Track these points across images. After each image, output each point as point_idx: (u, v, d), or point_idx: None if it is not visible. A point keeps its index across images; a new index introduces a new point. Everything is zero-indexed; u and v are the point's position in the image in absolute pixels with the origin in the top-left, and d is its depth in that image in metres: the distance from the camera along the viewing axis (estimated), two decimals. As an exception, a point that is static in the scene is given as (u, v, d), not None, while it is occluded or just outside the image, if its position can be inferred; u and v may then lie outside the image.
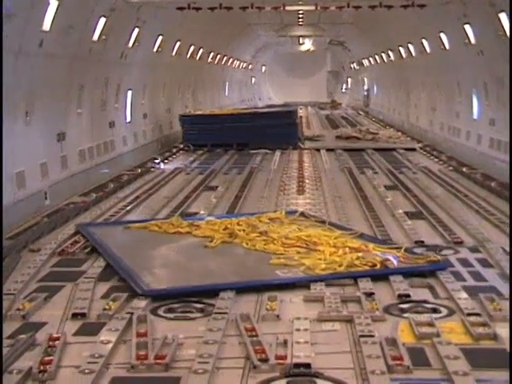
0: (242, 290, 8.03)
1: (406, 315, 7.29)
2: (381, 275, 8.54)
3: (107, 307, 7.48)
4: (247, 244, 10.06)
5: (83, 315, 7.35)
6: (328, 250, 9.40)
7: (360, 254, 9.12)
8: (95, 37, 15.95)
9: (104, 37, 16.28)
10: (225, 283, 8.23)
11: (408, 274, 8.62)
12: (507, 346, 6.43)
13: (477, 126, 19.65)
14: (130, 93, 20.59)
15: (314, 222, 11.65)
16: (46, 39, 12.94)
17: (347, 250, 9.37)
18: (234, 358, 6.27)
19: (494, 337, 6.62)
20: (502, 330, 6.80)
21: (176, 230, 11.05)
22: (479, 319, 6.98)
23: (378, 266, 8.79)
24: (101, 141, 17.73)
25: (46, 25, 12.88)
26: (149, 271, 8.84)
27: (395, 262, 8.93)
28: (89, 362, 5.98)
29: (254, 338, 6.51)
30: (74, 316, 7.34)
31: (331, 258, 9.04)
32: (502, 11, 15.09)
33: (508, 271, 8.67)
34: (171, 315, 7.45)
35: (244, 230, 10.64)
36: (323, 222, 11.55)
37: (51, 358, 6.08)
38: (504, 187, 14.93)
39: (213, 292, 7.89)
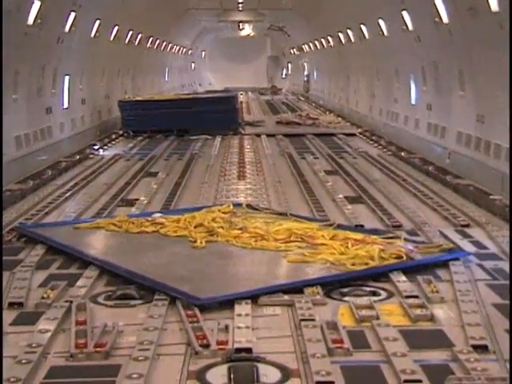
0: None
1: (346, 299, 7.35)
2: (411, 268, 8.21)
3: (45, 296, 7.35)
4: (237, 242, 9.32)
5: (20, 304, 7.20)
6: (334, 243, 8.90)
7: (381, 247, 8.64)
8: (30, 21, 15.58)
9: (39, 21, 15.92)
10: (290, 282, 7.73)
11: (432, 264, 8.39)
12: (443, 327, 6.55)
13: (414, 110, 19.94)
14: (67, 78, 20.19)
15: (268, 213, 11.01)
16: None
17: (353, 242, 8.91)
18: (175, 344, 6.23)
19: (431, 318, 6.74)
20: (439, 311, 6.95)
21: (141, 229, 10.16)
22: (417, 301, 7.10)
23: (405, 258, 8.42)
24: (37, 127, 17.37)
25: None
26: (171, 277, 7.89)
27: (416, 253, 8.63)
28: (26, 352, 5.86)
29: (195, 324, 6.48)
30: (11, 305, 7.18)
31: (353, 252, 8.52)
32: (438, -3, 15.32)
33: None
34: (111, 303, 7.36)
35: (222, 227, 9.89)
36: (281, 213, 10.98)
37: (-13, 348, 5.96)
38: (440, 171, 15.22)
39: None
